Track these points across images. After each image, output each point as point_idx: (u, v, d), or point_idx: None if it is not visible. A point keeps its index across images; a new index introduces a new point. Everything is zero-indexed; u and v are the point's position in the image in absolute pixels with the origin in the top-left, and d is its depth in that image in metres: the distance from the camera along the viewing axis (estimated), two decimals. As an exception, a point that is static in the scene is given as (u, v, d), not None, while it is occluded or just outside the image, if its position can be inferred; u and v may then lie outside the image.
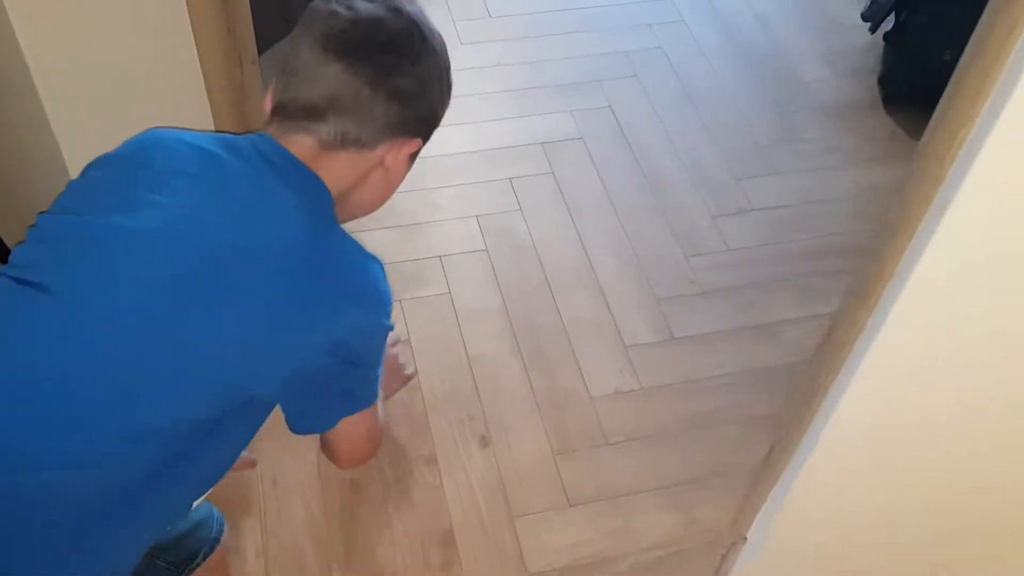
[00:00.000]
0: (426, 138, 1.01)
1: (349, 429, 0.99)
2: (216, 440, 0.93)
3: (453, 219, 1.94)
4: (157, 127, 0.99)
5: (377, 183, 1.00)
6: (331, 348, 0.90)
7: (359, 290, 0.93)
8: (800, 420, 1.20)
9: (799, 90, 2.29)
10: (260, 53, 2.25)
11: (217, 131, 1.48)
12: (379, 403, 1.02)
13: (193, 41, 1.34)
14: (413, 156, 1.01)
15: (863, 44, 2.41)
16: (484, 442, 1.57)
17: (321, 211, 0.94)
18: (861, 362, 1.07)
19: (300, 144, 0.93)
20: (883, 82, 2.25)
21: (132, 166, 0.94)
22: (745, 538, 1.44)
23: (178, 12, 1.30)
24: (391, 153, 0.97)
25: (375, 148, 0.95)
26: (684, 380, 1.69)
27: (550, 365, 1.69)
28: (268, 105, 0.96)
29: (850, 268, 1.89)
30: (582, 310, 1.79)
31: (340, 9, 0.92)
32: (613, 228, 1.94)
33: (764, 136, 2.17)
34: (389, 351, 1.24)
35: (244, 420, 0.95)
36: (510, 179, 2.03)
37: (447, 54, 0.99)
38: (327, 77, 0.91)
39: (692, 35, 2.42)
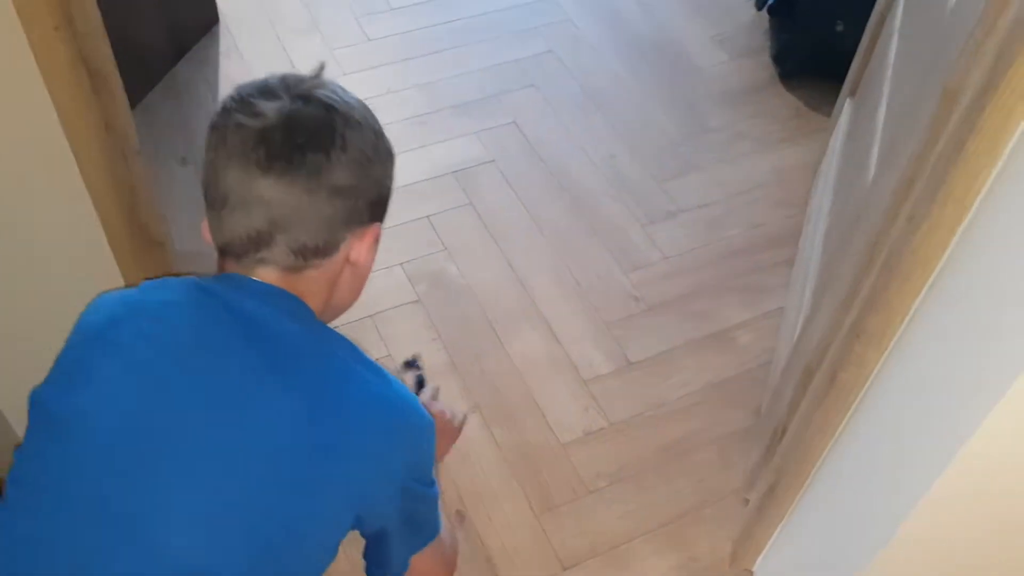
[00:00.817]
0: (382, 218, 0.92)
1: (427, 559, 0.97)
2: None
3: (376, 272, 1.79)
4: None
5: (348, 281, 0.92)
6: (408, 473, 0.88)
7: (412, 409, 0.89)
8: (804, 459, 1.15)
9: (697, 78, 2.26)
10: (132, 107, 2.06)
11: (107, 232, 1.33)
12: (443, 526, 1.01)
13: (67, 143, 1.17)
14: (376, 240, 0.93)
15: (750, 21, 2.39)
16: (461, 517, 1.47)
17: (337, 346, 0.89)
18: (867, 404, 1.03)
19: (267, 276, 0.86)
20: (778, 59, 2.24)
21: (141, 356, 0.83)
22: (751, 572, 1.40)
23: (46, 115, 1.13)
24: (354, 248, 0.89)
25: (337, 250, 0.88)
26: (651, 407, 1.63)
27: (512, 417, 1.60)
28: (208, 239, 0.88)
29: (785, 258, 1.88)
30: (532, 349, 1.71)
31: (245, 119, 0.82)
32: (546, 254, 1.86)
33: (674, 131, 2.12)
34: (434, 410, 1.22)
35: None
36: (428, 217, 1.91)
37: (373, 118, 0.89)
38: (259, 199, 0.82)
39: (581, 33, 2.34)
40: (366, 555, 0.95)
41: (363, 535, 0.92)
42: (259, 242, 0.84)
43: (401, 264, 1.82)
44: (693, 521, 1.48)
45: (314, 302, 0.89)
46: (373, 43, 2.29)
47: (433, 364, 1.66)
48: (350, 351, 0.89)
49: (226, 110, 0.84)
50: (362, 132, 0.86)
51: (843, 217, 1.42)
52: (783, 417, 1.32)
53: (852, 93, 1.84)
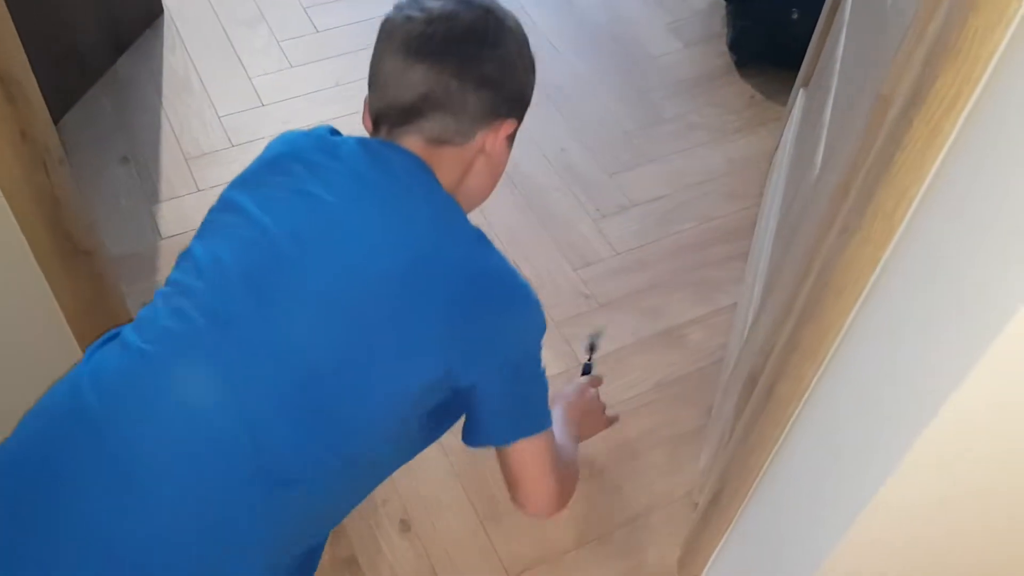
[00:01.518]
0: (520, 117, 1.07)
1: (531, 455, 1.02)
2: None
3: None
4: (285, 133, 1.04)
5: (482, 170, 1.04)
6: (517, 349, 0.96)
7: (525, 293, 0.98)
8: (747, 467, 1.13)
9: (651, 67, 2.22)
10: (65, 112, 2.00)
11: (31, 243, 1.28)
12: (565, 445, 1.11)
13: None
14: (511, 138, 1.07)
15: (706, 8, 2.36)
16: (405, 526, 1.44)
17: (457, 217, 0.98)
18: (805, 415, 1.01)
19: (412, 144, 0.99)
20: (733, 47, 2.21)
21: (289, 173, 0.97)
22: (700, 578, 1.38)
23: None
24: (489, 138, 1.02)
25: (474, 137, 1.00)
26: (601, 408, 1.60)
27: (460, 422, 1.57)
28: (367, 121, 1.04)
29: (738, 253, 1.85)
30: (481, 350, 1.67)
31: (414, 12, 0.98)
32: (495, 252, 1.82)
33: (628, 122, 2.09)
34: (589, 393, 1.36)
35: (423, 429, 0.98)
36: (375, 215, 1.87)
37: (523, 31, 1.05)
38: (415, 79, 0.96)
39: (536, 24, 2.30)
40: (465, 424, 1.01)
41: (460, 397, 0.96)
42: (409, 113, 0.97)
43: (347, 264, 1.78)
44: (642, 526, 1.47)
45: (446, 179, 0.99)
46: (322, 34, 2.23)
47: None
48: (472, 228, 0.99)
49: (399, 6, 1.00)
50: (513, 35, 1.02)
51: (789, 216, 1.39)
52: (730, 421, 1.30)
53: (805, 83, 1.81)
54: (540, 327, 1.00)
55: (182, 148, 1.97)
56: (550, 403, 1.06)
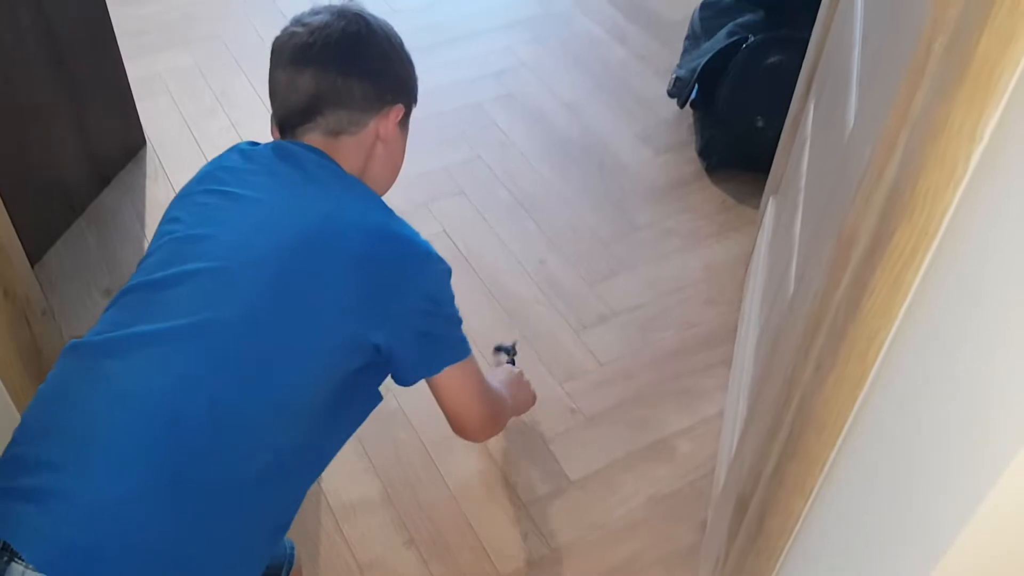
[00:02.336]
0: (406, 104, 1.20)
1: (458, 381, 1.15)
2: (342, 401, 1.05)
3: (308, 400, 1.77)
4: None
5: (382, 156, 1.19)
6: (421, 297, 1.08)
7: (422, 248, 1.09)
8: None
9: (623, 175, 2.28)
10: (48, 247, 2.02)
11: (13, 398, 1.28)
12: (501, 391, 1.32)
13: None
14: (403, 123, 1.21)
15: (673, 117, 2.43)
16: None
17: (361, 189, 1.12)
18: (797, 547, 1.01)
19: (314, 140, 1.13)
20: (703, 154, 2.27)
21: (212, 181, 1.11)
22: None
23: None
24: (382, 124, 1.16)
25: (367, 125, 1.15)
26: (594, 528, 1.59)
27: (450, 550, 1.55)
28: (275, 132, 1.18)
29: (721, 359, 1.87)
30: (469, 473, 1.67)
31: (296, 29, 1.14)
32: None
33: (604, 232, 2.13)
34: (515, 371, 1.57)
35: (363, 384, 1.09)
36: (359, 338, 1.88)
37: (394, 31, 1.20)
38: (306, 83, 1.12)
39: (508, 137, 2.36)
40: (401, 359, 1.10)
41: (383, 356, 1.06)
42: (306, 113, 1.13)
43: (333, 390, 1.78)
44: (641, 651, 1.44)
45: (349, 167, 1.13)
46: (300, 157, 2.28)
47: (366, 496, 1.62)
48: (374, 197, 1.12)
49: (284, 28, 1.16)
50: (385, 34, 1.17)
51: (768, 332, 1.41)
52: (724, 543, 1.29)
53: (775, 191, 1.86)
54: (441, 274, 1.11)
55: (165, 279, 1.98)
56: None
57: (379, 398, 1.14)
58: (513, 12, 2.79)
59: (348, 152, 1.14)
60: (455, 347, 1.15)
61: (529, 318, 1.93)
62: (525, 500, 1.63)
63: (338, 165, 1.12)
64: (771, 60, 2.09)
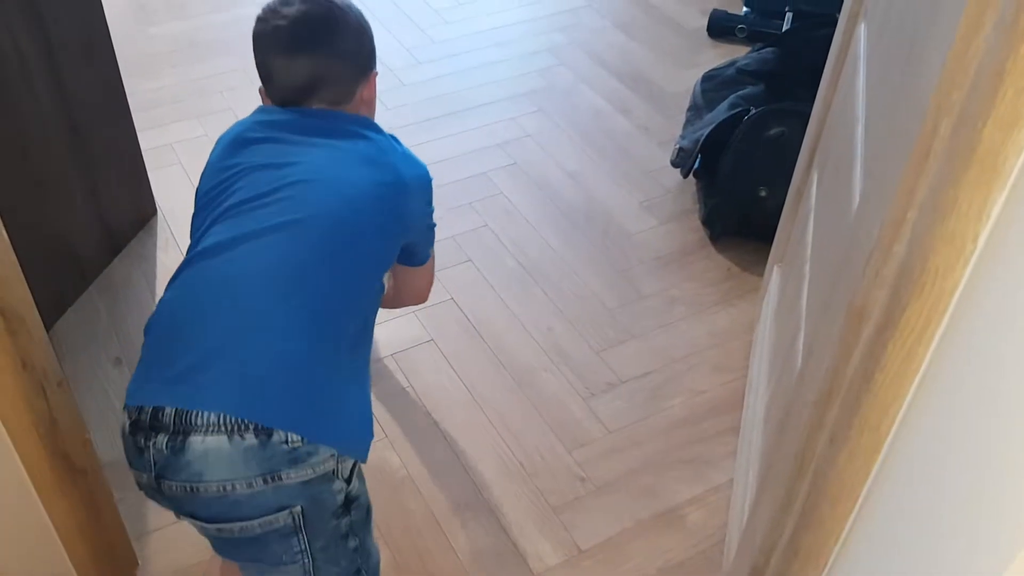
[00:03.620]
0: (375, 65, 1.43)
1: (430, 265, 1.57)
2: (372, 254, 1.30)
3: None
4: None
5: (368, 112, 1.44)
6: (427, 202, 1.41)
7: (424, 167, 1.38)
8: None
9: (628, 244, 2.31)
10: (60, 315, 2.04)
11: (26, 466, 1.28)
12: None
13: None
14: (374, 81, 1.44)
15: (676, 186, 2.47)
16: None
17: (377, 130, 1.38)
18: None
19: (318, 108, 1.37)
20: (707, 223, 2.31)
21: (259, 128, 1.35)
22: None
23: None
24: (365, 90, 1.41)
25: (355, 94, 1.39)
26: (604, 599, 1.58)
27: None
28: (268, 102, 1.40)
29: (729, 426, 1.87)
30: (479, 542, 1.66)
31: (278, 21, 1.33)
32: (488, 436, 1.84)
33: (610, 300, 2.15)
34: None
35: (392, 255, 1.37)
36: (368, 406, 1.88)
37: (354, 5, 1.39)
38: (300, 68, 1.34)
39: (514, 206, 2.40)
40: (402, 258, 1.45)
41: (404, 248, 1.42)
42: (305, 92, 1.35)
43: (341, 459, 1.78)
44: None
45: None
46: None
47: (377, 567, 1.61)
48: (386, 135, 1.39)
49: (262, 19, 1.35)
50: (350, 11, 1.37)
51: (776, 402, 1.42)
52: (736, 615, 1.28)
53: (780, 260, 1.89)
54: (428, 182, 1.40)
55: (175, 347, 2.00)
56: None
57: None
58: (518, 85, 2.86)
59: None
60: (432, 236, 1.51)
61: (537, 385, 1.94)
62: (536, 570, 1.62)
63: (351, 115, 1.38)
64: (773, 131, 2.14)
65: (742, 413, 1.88)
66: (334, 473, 1.14)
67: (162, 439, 1.08)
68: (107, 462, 1.73)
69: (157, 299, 2.13)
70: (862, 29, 1.44)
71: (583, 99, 2.81)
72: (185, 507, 1.12)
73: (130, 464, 1.15)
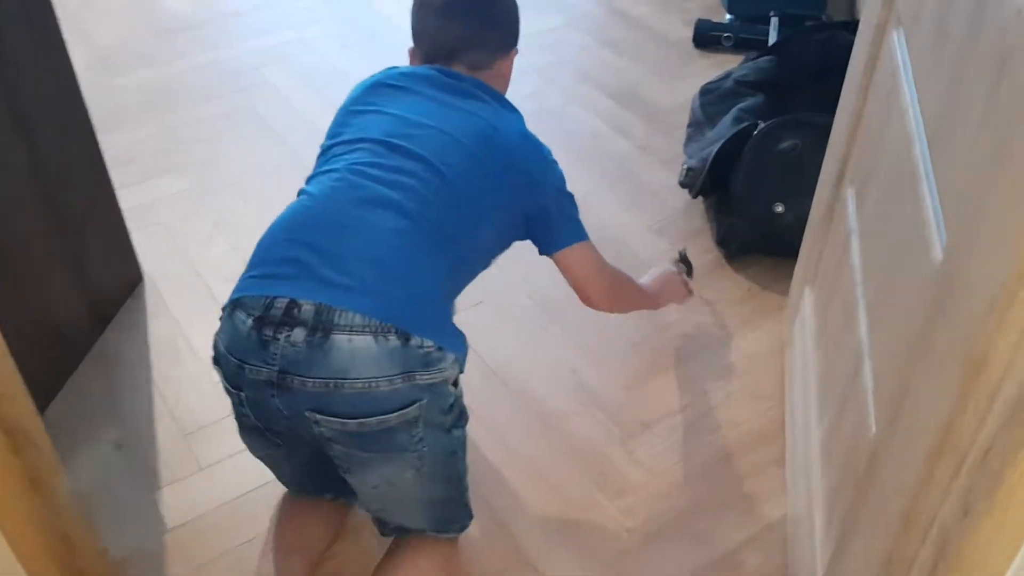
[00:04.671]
0: (517, 44, 1.57)
1: (579, 255, 1.54)
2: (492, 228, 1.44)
3: (346, 545, 1.65)
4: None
5: (501, 86, 1.55)
6: (555, 184, 1.49)
7: (542, 147, 1.49)
8: None
9: (643, 271, 2.21)
10: (52, 396, 1.90)
11: (23, 564, 1.15)
12: (642, 283, 1.80)
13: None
14: (513, 59, 1.57)
15: (684, 206, 2.39)
16: None
17: (502, 100, 1.51)
18: None
19: (460, 71, 1.49)
20: (722, 243, 2.22)
21: (400, 79, 1.49)
22: None
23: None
24: (505, 64, 1.54)
25: (493, 65, 1.52)
26: (670, 662, 1.48)
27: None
28: (415, 62, 1.54)
29: (773, 458, 1.78)
30: (529, 611, 1.55)
31: None
32: (524, 491, 1.73)
33: (632, 332, 2.05)
34: (676, 272, 1.95)
35: (513, 225, 1.49)
36: (392, 470, 1.77)
37: None
38: (455, 30, 1.49)
39: (527, 243, 2.29)
40: (541, 228, 1.51)
41: (531, 224, 1.50)
42: (452, 51, 1.49)
43: (371, 531, 1.67)
44: None
45: None
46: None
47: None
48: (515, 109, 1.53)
49: None
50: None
51: (840, 441, 1.33)
52: None
53: (811, 281, 1.80)
54: (561, 172, 1.52)
55: (178, 424, 1.87)
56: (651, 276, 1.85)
57: (508, 244, 1.53)
58: (507, 111, 2.76)
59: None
60: (577, 228, 1.53)
61: (568, 431, 1.84)
62: (593, 637, 1.51)
63: (485, 86, 1.47)
64: (784, 145, 2.06)
65: (785, 443, 1.79)
66: (447, 380, 1.26)
67: (299, 333, 1.16)
68: (121, 558, 1.61)
69: (153, 372, 2.01)
70: (897, 37, 1.36)
71: (577, 121, 2.72)
72: (321, 405, 1.19)
73: (241, 360, 1.22)
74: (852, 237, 1.48)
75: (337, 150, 1.38)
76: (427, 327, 1.22)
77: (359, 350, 1.15)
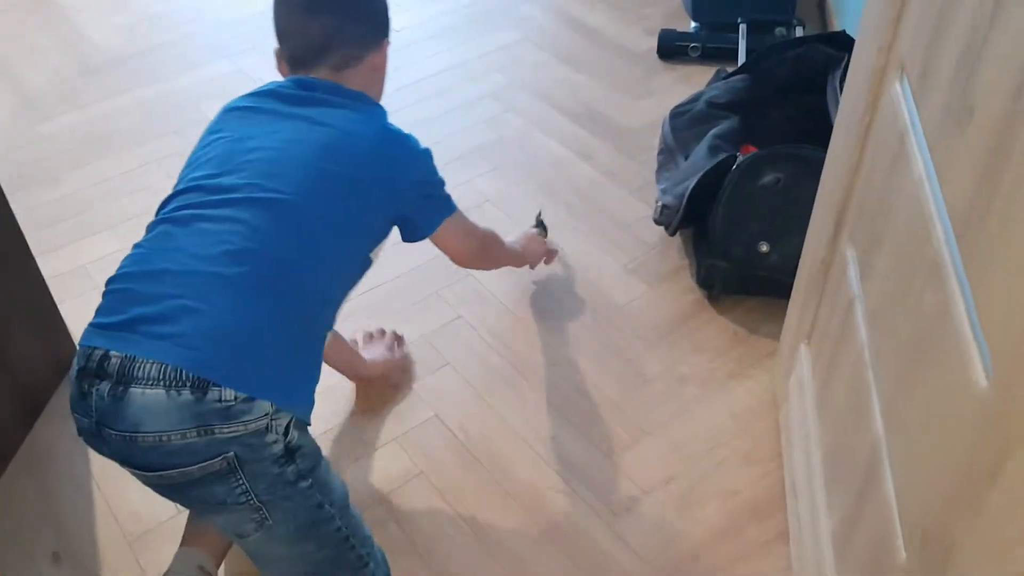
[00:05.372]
0: (388, 35, 1.51)
1: (450, 229, 1.53)
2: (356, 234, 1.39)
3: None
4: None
5: (377, 82, 1.53)
6: (416, 176, 1.44)
7: (406, 139, 1.44)
8: None
9: (619, 318, 2.06)
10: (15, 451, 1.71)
11: None
12: (509, 243, 1.88)
13: None
14: (386, 51, 1.52)
15: (658, 240, 2.24)
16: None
17: (362, 99, 1.46)
18: None
19: (324, 74, 1.44)
20: (704, 284, 2.08)
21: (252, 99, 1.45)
22: None
23: None
24: (376, 57, 1.49)
25: (365, 59, 1.46)
26: None
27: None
28: (283, 68, 1.48)
29: (776, 533, 1.64)
30: None
31: None
32: (507, 591, 1.58)
33: (612, 390, 1.90)
34: (535, 233, 2.09)
35: (375, 228, 1.42)
36: (361, 572, 1.60)
37: None
38: (317, 28, 1.42)
39: (487, 289, 2.13)
40: (407, 221, 1.48)
41: (400, 220, 1.47)
42: (319, 52, 1.43)
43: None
44: None
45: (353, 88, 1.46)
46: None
47: None
48: (378, 106, 1.49)
49: None
50: None
51: (859, 535, 1.19)
52: None
53: (806, 338, 1.66)
54: (427, 158, 1.46)
55: (121, 527, 1.69)
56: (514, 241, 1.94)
57: (383, 239, 1.46)
58: (465, 141, 2.59)
59: (352, 82, 1.45)
60: (444, 206, 1.52)
61: (550, 512, 1.69)
62: None
63: (347, 88, 1.43)
64: (767, 179, 1.92)
65: (787, 515, 1.66)
66: (267, 428, 1.20)
67: (105, 387, 1.17)
68: None
69: (92, 467, 1.82)
70: (901, 90, 1.21)
71: (539, 148, 2.55)
72: (124, 455, 1.22)
73: (72, 408, 1.23)
74: (856, 305, 1.34)
75: (178, 191, 1.35)
76: (238, 377, 1.18)
77: (150, 404, 1.16)
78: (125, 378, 1.16)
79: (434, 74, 2.86)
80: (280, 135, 1.34)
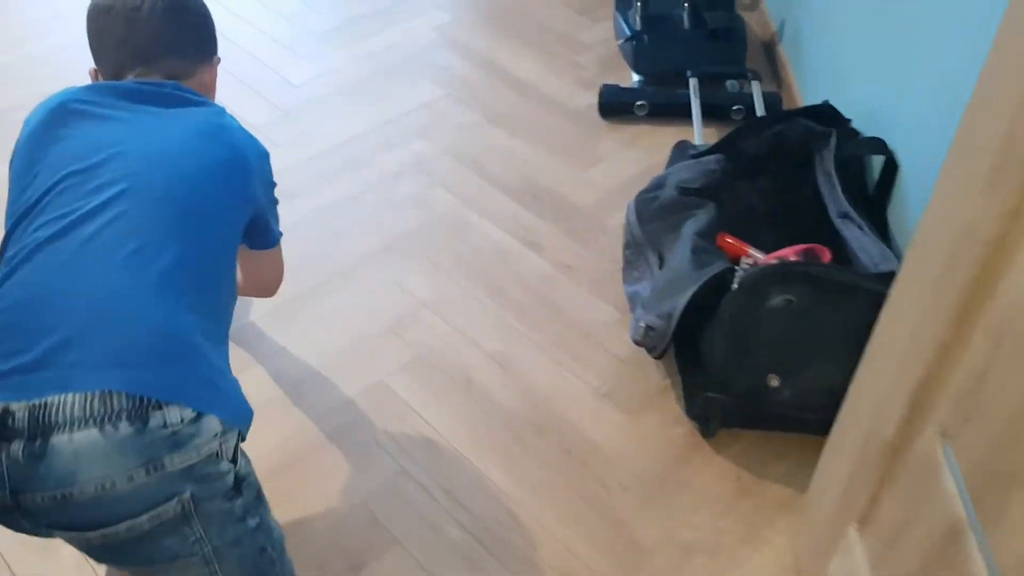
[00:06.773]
0: (216, 50, 1.45)
1: (278, 257, 1.50)
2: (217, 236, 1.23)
3: None
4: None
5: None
6: (261, 179, 1.34)
7: (259, 142, 1.36)
8: None
9: (599, 463, 1.71)
10: None
11: None
12: None
13: None
14: (216, 72, 1.46)
15: (630, 354, 1.90)
16: None
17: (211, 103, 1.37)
18: None
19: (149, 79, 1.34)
20: (697, 418, 1.75)
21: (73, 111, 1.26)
22: None
23: None
24: (208, 74, 1.43)
25: (194, 74, 1.40)
26: None
27: None
28: (98, 77, 1.38)
29: None
30: None
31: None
32: None
33: (604, 568, 1.56)
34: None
35: (233, 234, 1.28)
36: None
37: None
38: (144, 35, 1.34)
39: (435, 430, 1.75)
40: (250, 241, 1.40)
41: (251, 226, 1.34)
42: (146, 59, 1.34)
43: None
44: None
45: None
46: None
47: None
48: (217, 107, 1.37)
49: None
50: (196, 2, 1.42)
51: None
52: None
53: (859, 520, 1.35)
54: (267, 156, 1.36)
55: None
56: None
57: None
58: (390, 227, 2.19)
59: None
60: (278, 231, 1.44)
61: None
62: None
63: (185, 86, 1.33)
64: (775, 301, 1.60)
65: None
66: (218, 455, 1.08)
67: (16, 447, 0.98)
68: None
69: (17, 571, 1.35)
70: (945, 454, 0.92)
71: (477, 235, 2.17)
72: (56, 520, 1.02)
73: None
74: (956, 504, 1.03)
75: (37, 207, 1.16)
76: (173, 387, 1.04)
77: (83, 449, 0.98)
78: (40, 429, 0.98)
79: (346, 141, 2.44)
80: (141, 132, 1.23)
